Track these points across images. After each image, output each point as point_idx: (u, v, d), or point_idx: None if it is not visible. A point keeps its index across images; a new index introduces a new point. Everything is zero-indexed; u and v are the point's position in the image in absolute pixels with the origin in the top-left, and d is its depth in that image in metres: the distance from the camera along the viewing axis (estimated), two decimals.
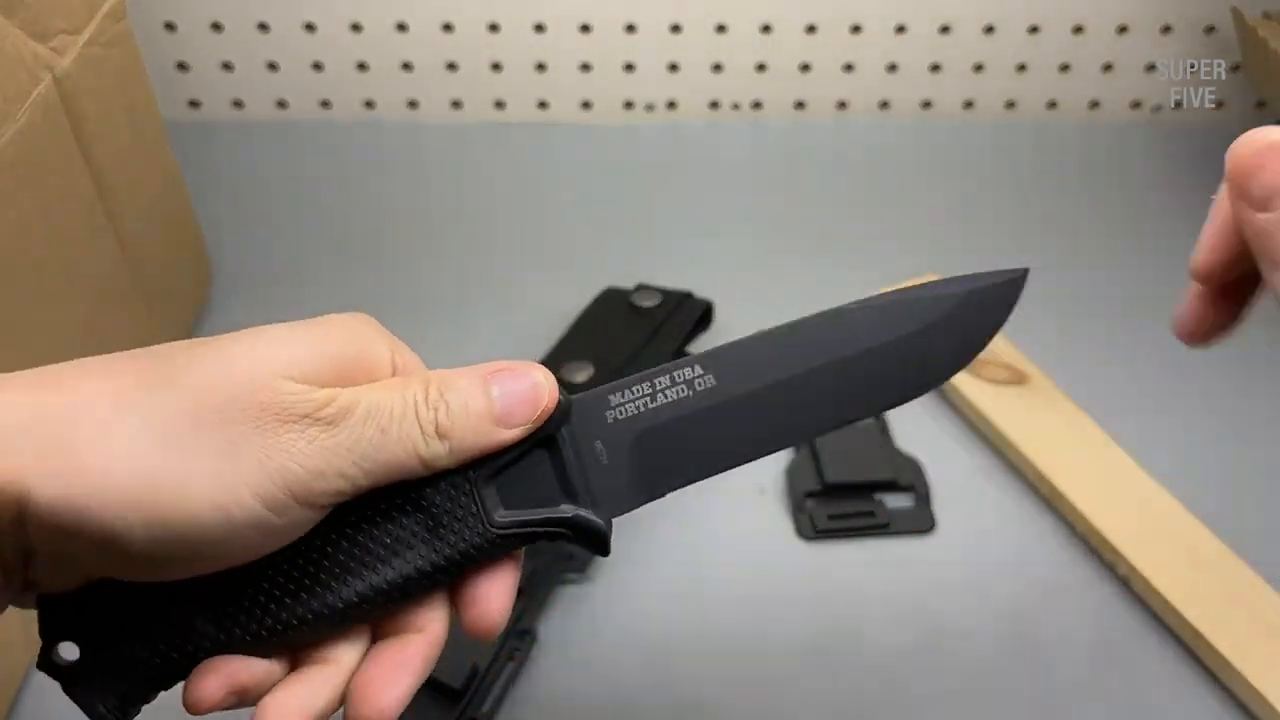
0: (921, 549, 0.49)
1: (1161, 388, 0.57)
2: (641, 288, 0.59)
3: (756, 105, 0.74)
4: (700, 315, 0.58)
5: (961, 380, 0.54)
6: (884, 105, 0.74)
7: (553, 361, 0.55)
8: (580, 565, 0.48)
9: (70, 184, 0.47)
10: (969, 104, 0.74)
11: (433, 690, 0.44)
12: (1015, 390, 0.55)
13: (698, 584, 0.49)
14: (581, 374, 0.53)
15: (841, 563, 0.49)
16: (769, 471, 0.53)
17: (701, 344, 0.58)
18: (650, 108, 0.74)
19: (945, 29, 0.70)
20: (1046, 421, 0.53)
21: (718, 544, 0.50)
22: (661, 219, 0.68)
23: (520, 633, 0.46)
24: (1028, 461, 0.51)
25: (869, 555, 0.50)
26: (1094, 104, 0.74)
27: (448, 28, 0.70)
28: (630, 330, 0.57)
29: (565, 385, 0.51)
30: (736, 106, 0.74)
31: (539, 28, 0.70)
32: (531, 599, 0.47)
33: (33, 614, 0.28)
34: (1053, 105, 0.74)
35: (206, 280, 0.62)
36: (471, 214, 0.68)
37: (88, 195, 0.48)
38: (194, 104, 0.74)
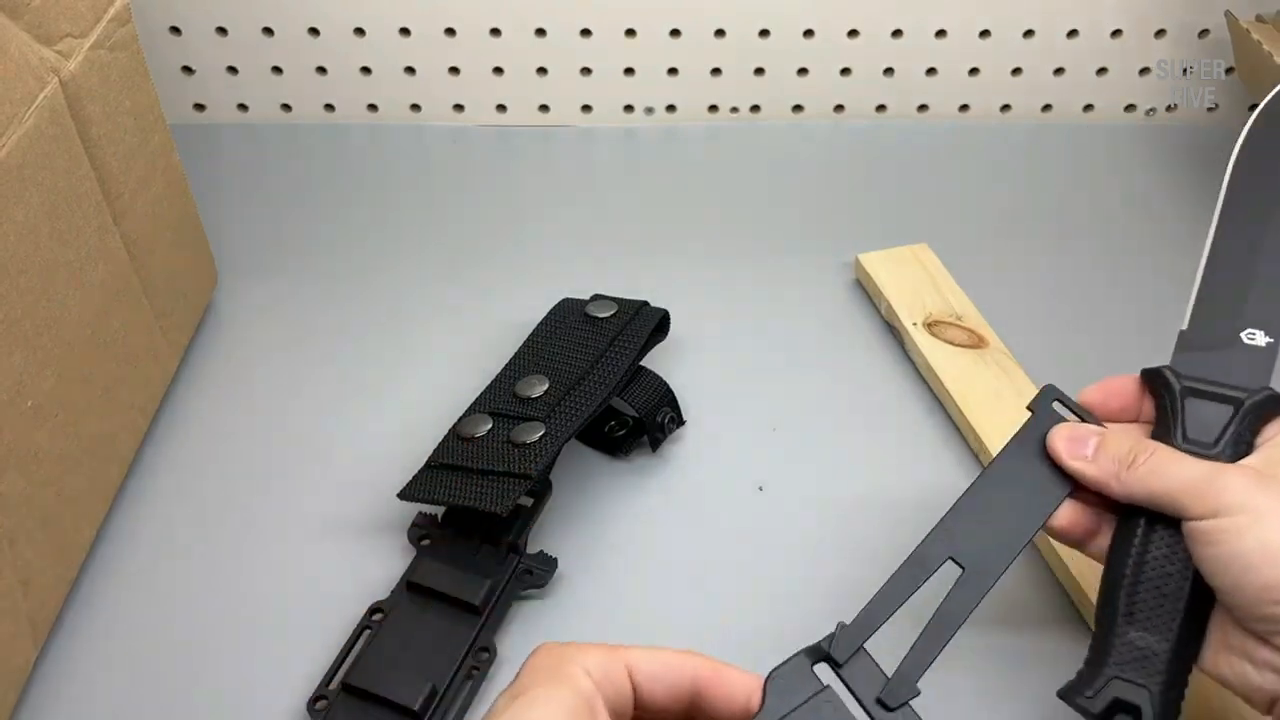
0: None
1: None
2: (597, 298, 0.58)
3: (755, 109, 0.75)
4: (657, 324, 0.57)
5: (921, 339, 0.58)
6: (880, 109, 0.75)
7: (508, 376, 0.55)
8: (539, 581, 0.49)
9: (76, 186, 0.48)
10: (964, 107, 0.74)
11: (391, 712, 0.45)
12: (973, 353, 0.58)
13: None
14: (538, 388, 0.53)
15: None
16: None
17: (658, 353, 0.58)
18: (650, 111, 0.75)
19: (941, 33, 0.71)
20: (993, 383, 0.56)
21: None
22: (662, 220, 0.69)
23: (479, 650, 0.47)
24: (964, 417, 0.55)
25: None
26: (1088, 107, 0.74)
27: (450, 32, 0.71)
28: (586, 341, 0.56)
29: (521, 400, 0.53)
30: (735, 110, 0.75)
31: (540, 32, 0.71)
32: (490, 616, 0.47)
33: (35, 610, 0.29)
34: (1047, 108, 0.74)
35: (211, 282, 0.63)
36: (472, 215, 0.69)
37: (93, 197, 0.49)
38: (199, 107, 0.75)
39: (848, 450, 0.55)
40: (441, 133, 0.75)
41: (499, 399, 0.54)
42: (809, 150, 0.74)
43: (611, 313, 0.57)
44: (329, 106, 0.75)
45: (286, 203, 0.69)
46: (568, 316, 0.58)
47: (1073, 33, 0.70)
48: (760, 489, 0.54)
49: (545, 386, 0.53)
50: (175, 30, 0.71)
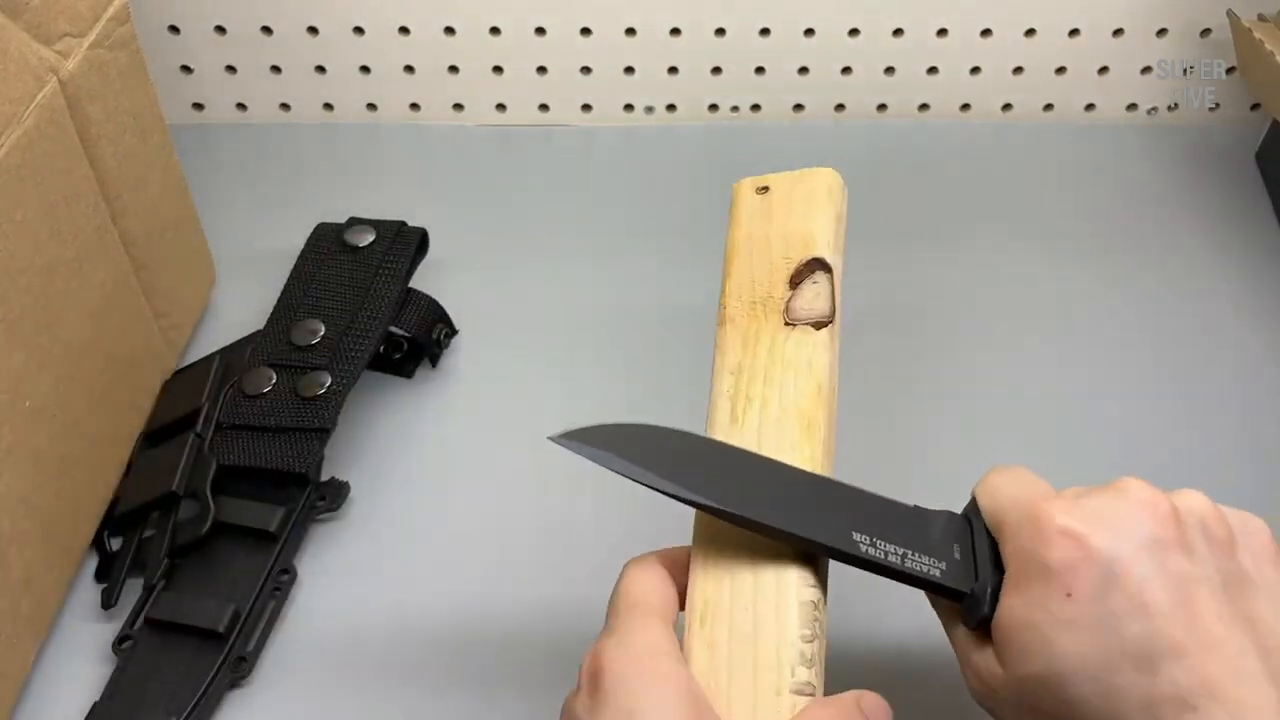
0: None
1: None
2: (353, 221, 0.60)
3: (755, 108, 0.75)
4: (418, 244, 0.59)
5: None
6: (881, 108, 0.75)
7: (280, 320, 0.56)
8: (332, 505, 0.53)
9: (74, 186, 0.47)
10: (965, 106, 0.74)
11: (197, 636, 0.47)
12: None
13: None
14: (314, 333, 0.55)
15: None
16: None
17: (422, 273, 0.60)
18: (650, 110, 0.75)
19: (942, 32, 0.70)
20: None
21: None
22: (662, 220, 0.69)
23: (279, 573, 0.49)
24: None
25: None
26: (1089, 106, 0.74)
27: (449, 31, 0.71)
28: (352, 274, 0.58)
29: (300, 349, 0.55)
30: (735, 109, 0.75)
31: (540, 31, 0.71)
32: (289, 539, 0.50)
33: (34, 610, 0.29)
34: (1049, 108, 0.74)
35: (210, 282, 0.63)
36: (472, 215, 0.69)
37: (92, 197, 0.49)
38: (198, 106, 0.75)
39: None
40: (441, 132, 0.74)
41: (277, 348, 0.55)
42: (809, 150, 0.73)
43: (371, 239, 0.59)
44: (328, 106, 0.75)
45: (286, 202, 0.69)
46: (328, 246, 0.59)
47: (1074, 32, 0.70)
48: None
49: (321, 330, 0.55)
50: (174, 29, 0.71)
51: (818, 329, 0.39)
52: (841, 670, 0.43)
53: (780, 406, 0.38)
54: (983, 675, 0.34)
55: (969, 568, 0.35)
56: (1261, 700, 0.30)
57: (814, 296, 0.40)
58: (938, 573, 0.35)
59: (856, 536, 0.35)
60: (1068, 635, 0.31)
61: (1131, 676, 0.31)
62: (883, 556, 0.35)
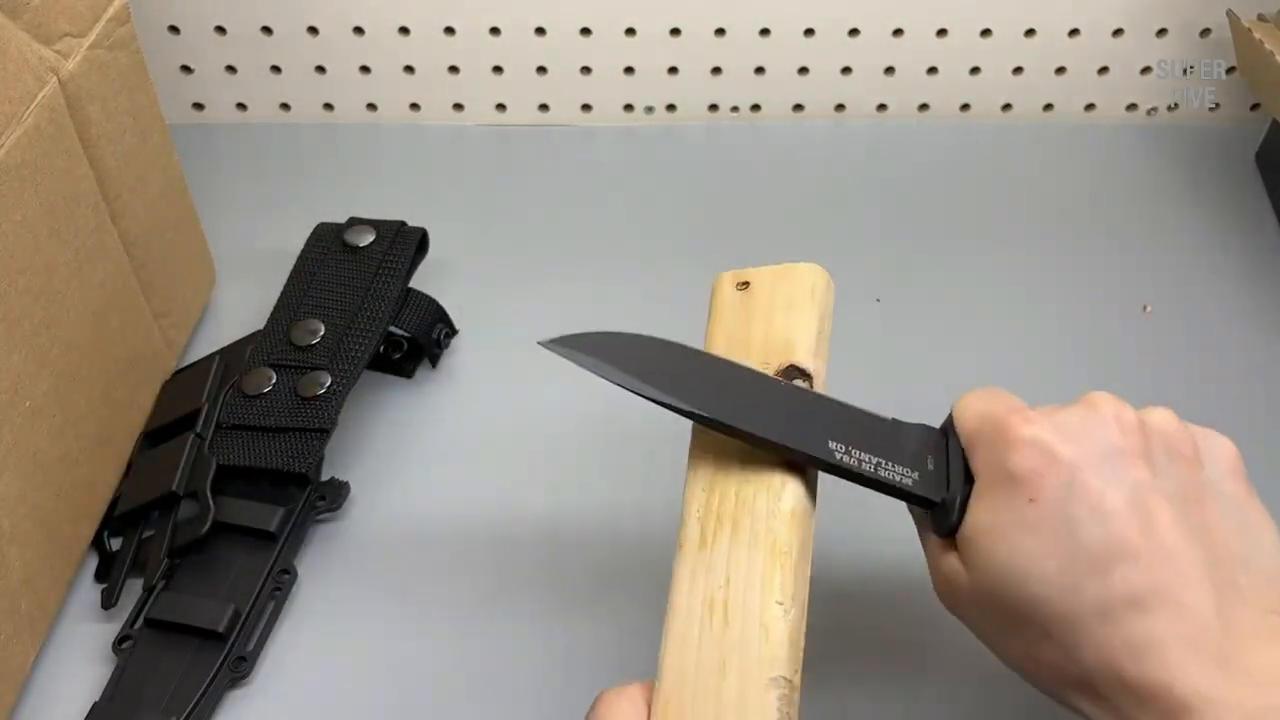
0: None
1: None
2: (353, 221, 0.60)
3: (755, 108, 0.75)
4: (418, 244, 0.59)
5: None
6: (881, 108, 0.75)
7: (280, 320, 0.56)
8: (332, 505, 0.53)
9: (75, 186, 0.47)
10: (965, 106, 0.74)
11: (197, 636, 0.47)
12: None
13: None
14: (314, 333, 0.55)
15: None
16: None
17: (422, 273, 0.60)
18: (650, 110, 0.75)
19: (942, 32, 0.70)
20: None
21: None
22: (662, 219, 0.69)
23: (280, 572, 0.50)
24: None
25: None
26: (1089, 106, 0.74)
27: (449, 31, 0.71)
28: (352, 274, 0.58)
29: (300, 349, 0.55)
30: (735, 109, 0.75)
31: (540, 31, 0.71)
32: (288, 541, 0.50)
33: (34, 610, 0.29)
34: (1049, 108, 0.74)
35: (210, 282, 0.63)
36: (471, 215, 0.69)
37: (92, 197, 0.49)
38: (198, 106, 0.75)
39: None
40: (441, 132, 0.74)
41: (277, 349, 0.55)
42: (809, 150, 0.73)
43: (371, 239, 0.59)
44: (328, 106, 0.75)
45: (285, 202, 0.69)
46: (328, 246, 0.59)
47: (1074, 32, 0.70)
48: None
49: (321, 330, 0.55)
50: (174, 29, 0.71)
51: None
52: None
53: (751, 532, 0.36)
54: (948, 578, 0.36)
55: (941, 478, 0.37)
56: (1204, 605, 0.31)
57: None
58: (910, 482, 0.36)
59: (832, 445, 0.36)
60: (1029, 538, 0.33)
61: (1087, 577, 0.32)
62: (856, 464, 0.36)
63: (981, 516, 0.34)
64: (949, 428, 0.37)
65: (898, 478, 0.36)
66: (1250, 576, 0.33)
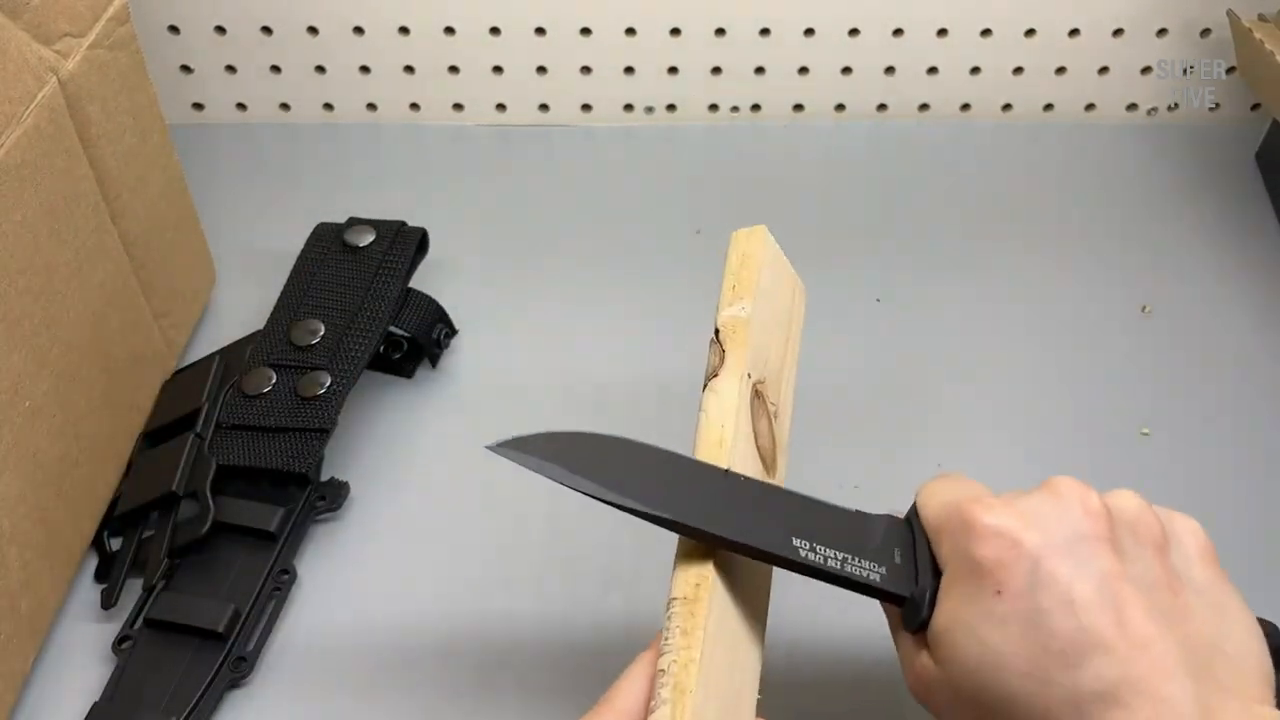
0: None
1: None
2: (353, 221, 0.60)
3: (755, 108, 0.75)
4: (418, 244, 0.59)
5: None
6: (881, 108, 0.75)
7: (280, 320, 0.56)
8: (332, 505, 0.53)
9: (75, 186, 0.47)
10: (966, 106, 0.74)
11: (197, 636, 0.47)
12: None
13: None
14: (314, 333, 0.55)
15: None
16: None
17: (422, 273, 0.60)
18: (650, 110, 0.75)
19: (942, 32, 0.70)
20: None
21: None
22: (661, 219, 0.69)
23: (279, 573, 0.50)
24: None
25: None
26: (1090, 106, 0.74)
27: (449, 31, 0.71)
28: (352, 274, 0.58)
29: (300, 349, 0.55)
30: (736, 109, 0.75)
31: (540, 31, 0.71)
32: (287, 542, 0.50)
33: (34, 610, 0.29)
34: (1049, 108, 0.74)
35: (210, 282, 0.63)
36: (471, 215, 0.69)
37: (92, 197, 0.49)
38: (197, 106, 0.75)
39: None
40: (441, 132, 0.74)
41: (277, 349, 0.55)
42: (809, 150, 0.73)
43: (371, 239, 0.59)
44: (328, 106, 0.75)
45: (285, 202, 0.69)
46: (328, 246, 0.59)
47: (1074, 32, 0.70)
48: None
49: (321, 330, 0.55)
50: (174, 29, 0.71)
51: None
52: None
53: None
54: (919, 673, 0.35)
55: (909, 571, 0.35)
56: (1183, 695, 0.30)
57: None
58: (878, 577, 0.35)
59: (796, 542, 0.35)
60: (998, 631, 0.32)
61: (1060, 672, 0.31)
62: (822, 562, 0.35)
63: (950, 611, 0.33)
64: (913, 517, 0.36)
65: (865, 573, 0.35)
66: (1228, 664, 0.32)
